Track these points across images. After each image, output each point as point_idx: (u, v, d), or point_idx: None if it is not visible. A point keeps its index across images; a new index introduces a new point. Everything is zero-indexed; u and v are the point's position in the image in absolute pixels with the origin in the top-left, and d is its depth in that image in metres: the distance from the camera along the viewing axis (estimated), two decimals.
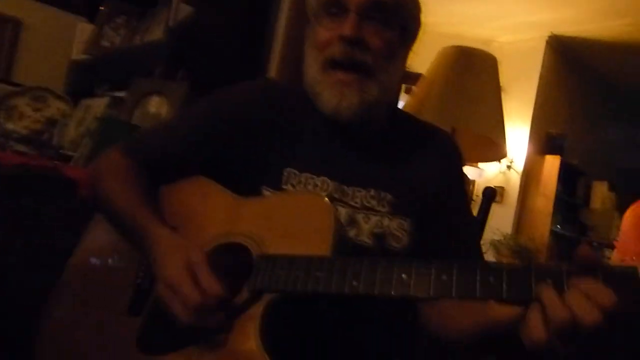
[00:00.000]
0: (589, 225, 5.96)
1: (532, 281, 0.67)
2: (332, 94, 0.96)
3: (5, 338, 1.28)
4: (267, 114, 1.04)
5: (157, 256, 0.86)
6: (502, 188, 5.34)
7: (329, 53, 0.96)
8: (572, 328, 0.61)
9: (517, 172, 5.29)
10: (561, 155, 5.26)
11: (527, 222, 5.30)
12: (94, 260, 1.05)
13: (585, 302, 0.61)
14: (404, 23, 1.00)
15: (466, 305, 0.83)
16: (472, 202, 4.96)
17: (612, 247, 5.75)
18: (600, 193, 5.98)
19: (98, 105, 2.11)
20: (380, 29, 0.96)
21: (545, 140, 5.41)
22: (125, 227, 0.96)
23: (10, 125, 2.29)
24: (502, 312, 0.74)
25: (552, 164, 5.26)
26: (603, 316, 0.59)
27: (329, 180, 0.98)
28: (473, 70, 1.94)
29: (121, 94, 2.02)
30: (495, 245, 4.83)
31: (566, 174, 5.39)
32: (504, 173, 5.33)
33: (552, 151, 5.33)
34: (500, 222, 5.09)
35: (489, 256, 4.76)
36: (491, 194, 1.44)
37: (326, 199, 0.88)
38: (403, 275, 0.73)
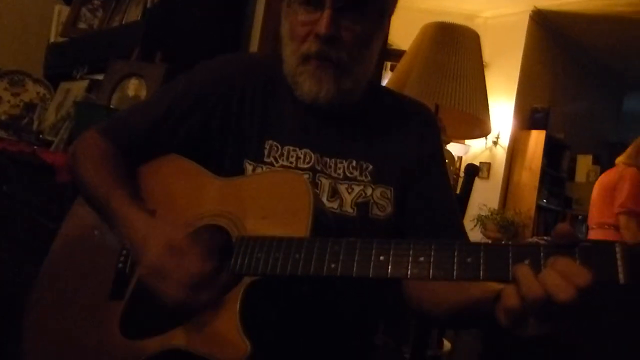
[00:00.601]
0: (574, 198, 6.04)
1: (510, 261, 0.67)
2: (312, 82, 0.96)
3: None
4: (245, 87, 1.03)
5: (136, 241, 0.85)
6: (488, 164, 5.38)
7: (306, 49, 0.96)
8: (546, 305, 0.61)
9: (502, 147, 5.32)
10: (546, 130, 5.29)
11: (514, 196, 5.35)
12: (75, 245, 1.04)
13: (560, 280, 0.61)
14: (381, 7, 0.99)
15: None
16: (460, 178, 5.01)
17: None
18: (585, 166, 6.04)
19: (77, 88, 2.08)
20: (356, 22, 0.95)
21: (530, 115, 5.43)
22: (102, 212, 0.95)
23: None
24: (481, 289, 0.74)
25: (537, 138, 5.30)
26: (577, 294, 0.60)
27: (311, 152, 0.99)
28: (455, 46, 1.93)
29: (100, 76, 1.99)
30: (482, 220, 4.88)
31: (551, 148, 5.43)
32: (489, 149, 5.36)
33: (537, 126, 5.36)
34: (486, 198, 5.13)
35: (476, 232, 4.82)
36: (473, 171, 1.44)
37: (304, 177, 0.88)
38: (381, 257, 0.73)
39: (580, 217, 6.08)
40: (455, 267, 0.69)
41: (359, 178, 1.00)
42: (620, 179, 3.31)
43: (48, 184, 1.35)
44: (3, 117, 2.23)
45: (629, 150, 3.46)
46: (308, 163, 0.98)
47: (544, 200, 5.52)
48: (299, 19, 0.96)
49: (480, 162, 5.39)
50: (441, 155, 1.09)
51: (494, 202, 5.21)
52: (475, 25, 5.06)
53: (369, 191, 0.99)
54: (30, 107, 2.29)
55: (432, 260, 0.71)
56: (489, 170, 5.39)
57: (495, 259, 0.68)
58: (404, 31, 2.71)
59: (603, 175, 3.59)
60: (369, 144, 1.03)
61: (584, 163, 6.06)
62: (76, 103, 1.80)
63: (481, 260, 0.68)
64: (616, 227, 3.29)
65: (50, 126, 2.02)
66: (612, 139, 7.04)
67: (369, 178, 1.00)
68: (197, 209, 0.93)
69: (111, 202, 0.91)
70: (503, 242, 0.70)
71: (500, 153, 5.35)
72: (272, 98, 1.03)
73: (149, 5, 1.85)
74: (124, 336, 0.88)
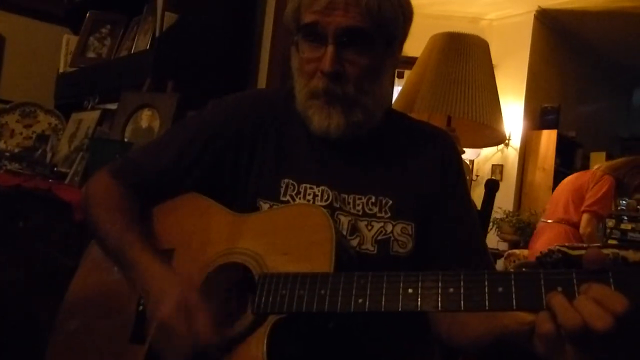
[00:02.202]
0: None
1: (543, 290, 0.66)
2: (322, 117, 0.95)
3: None
4: (259, 125, 1.02)
5: (150, 292, 0.84)
6: (500, 166, 5.34)
7: (313, 85, 0.95)
8: (584, 334, 0.59)
9: (514, 149, 5.28)
10: (557, 129, 5.25)
11: (528, 197, 5.31)
12: (94, 284, 1.03)
13: (596, 308, 0.59)
14: (389, 37, 0.96)
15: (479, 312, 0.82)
16: (473, 181, 4.97)
17: (613, 217, 5.83)
18: (599, 163, 5.97)
19: (89, 118, 2.08)
20: (362, 54, 0.93)
21: (540, 115, 5.39)
22: (115, 257, 0.94)
23: (1, 144, 2.27)
24: (514, 319, 0.72)
25: (548, 137, 5.26)
26: (615, 321, 0.58)
27: (328, 190, 0.97)
28: (465, 56, 1.91)
29: (111, 106, 1.99)
30: (497, 223, 4.84)
31: (563, 147, 5.39)
32: (501, 151, 5.32)
33: (547, 125, 5.32)
34: (501, 200, 5.08)
35: (492, 235, 4.77)
36: (493, 186, 1.42)
37: (323, 209, 0.87)
38: (409, 290, 0.72)
39: None
40: (487, 298, 0.68)
41: (378, 215, 0.97)
42: (596, 183, 3.44)
43: (66, 220, 1.35)
44: (16, 150, 2.25)
45: (617, 163, 3.58)
46: (326, 201, 0.96)
47: None
48: (305, 56, 0.96)
49: (493, 165, 5.37)
50: (463, 181, 1.06)
51: (508, 204, 5.16)
52: (481, 27, 5.05)
53: (389, 228, 0.97)
54: (42, 138, 2.30)
55: (462, 291, 0.69)
56: (501, 173, 5.35)
57: (527, 288, 0.67)
58: (409, 37, 2.69)
59: (574, 176, 3.76)
60: (388, 177, 1.01)
61: (598, 160, 5.98)
62: (91, 139, 1.80)
63: (513, 289, 0.67)
64: (573, 225, 3.44)
65: (64, 158, 2.03)
66: (623, 134, 6.98)
67: (389, 214, 0.97)
68: (216, 247, 0.92)
69: (126, 249, 0.91)
70: (533, 271, 0.68)
71: (512, 154, 5.31)
72: (286, 134, 1.02)
73: (157, 33, 1.86)
74: None
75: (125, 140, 1.68)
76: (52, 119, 2.42)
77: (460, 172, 1.07)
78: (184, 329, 0.78)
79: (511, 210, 5.09)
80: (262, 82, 2.05)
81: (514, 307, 0.66)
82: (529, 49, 5.20)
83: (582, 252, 2.09)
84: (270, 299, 0.79)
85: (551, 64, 5.51)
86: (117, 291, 0.97)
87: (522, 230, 4.99)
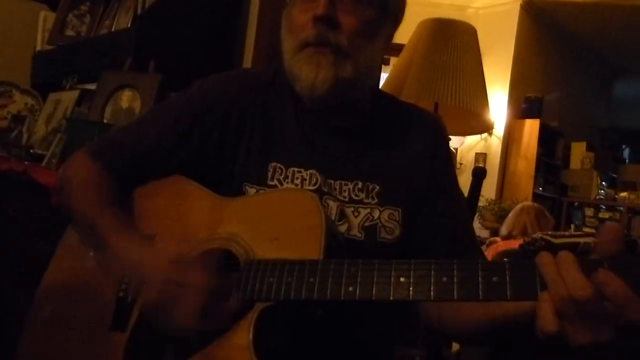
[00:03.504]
0: (570, 185, 6.06)
1: (537, 278, 0.64)
2: (309, 68, 0.90)
3: None
4: (246, 107, 0.98)
5: (134, 272, 0.82)
6: (484, 154, 5.37)
7: (303, 37, 0.91)
8: (571, 305, 0.60)
9: (497, 137, 5.31)
10: (540, 118, 5.29)
11: (510, 186, 5.36)
12: (71, 272, 1.00)
13: (579, 276, 0.60)
14: (384, 3, 0.94)
15: None
16: (457, 169, 5.00)
17: (591, 206, 5.91)
18: (579, 153, 6.06)
19: (68, 99, 2.02)
20: (355, 7, 0.91)
21: (523, 104, 5.42)
22: (92, 239, 0.91)
23: None
24: (515, 303, 0.71)
25: (531, 127, 5.30)
26: (596, 292, 0.59)
27: (317, 173, 0.94)
28: (453, 42, 1.89)
29: (91, 86, 1.93)
30: (480, 211, 4.87)
31: (545, 137, 5.44)
32: (485, 139, 5.34)
33: (531, 115, 5.36)
34: (484, 188, 5.06)
35: (474, 223, 4.79)
36: (481, 174, 1.41)
37: (312, 194, 0.84)
38: (401, 279, 0.70)
39: (576, 203, 6.11)
40: (480, 287, 0.67)
41: (365, 200, 0.95)
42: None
43: (43, 205, 1.30)
44: None
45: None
46: (314, 185, 0.93)
47: (540, 189, 5.54)
48: (298, 8, 0.93)
49: (476, 153, 5.39)
50: (452, 167, 1.05)
51: (490, 193, 5.20)
52: (467, 16, 5.03)
53: (376, 214, 0.95)
54: (18, 119, 2.23)
55: (455, 280, 0.68)
56: (484, 161, 5.37)
57: (522, 276, 0.66)
58: None
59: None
60: (376, 162, 0.98)
61: (578, 150, 6.07)
62: (68, 120, 1.74)
63: (507, 279, 0.66)
64: None
65: (41, 139, 1.96)
66: (603, 125, 7.06)
67: (376, 200, 0.95)
68: (200, 232, 0.88)
69: (102, 231, 0.87)
70: (527, 261, 0.67)
71: (496, 143, 5.33)
72: (274, 116, 0.99)
73: (139, 11, 1.79)
74: None
75: (105, 121, 1.62)
76: (29, 99, 2.34)
77: (449, 158, 1.06)
78: (182, 283, 0.75)
79: (493, 198, 5.13)
80: (247, 62, 1.99)
81: (508, 296, 0.65)
82: (514, 39, 5.21)
83: (565, 240, 2.11)
84: (257, 285, 0.77)
85: (536, 54, 5.53)
86: (94, 278, 0.94)
87: (503, 218, 5.03)
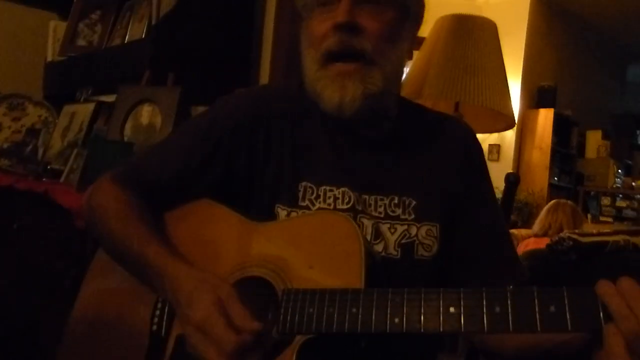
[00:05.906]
0: (585, 174, 5.99)
1: (600, 307, 0.61)
2: (334, 89, 0.88)
3: None
4: (271, 125, 0.95)
5: (181, 297, 0.77)
6: (497, 145, 5.31)
7: (325, 47, 0.88)
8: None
9: (511, 128, 5.24)
10: (554, 108, 5.22)
11: (525, 177, 5.29)
12: (102, 305, 0.96)
13: None
14: (402, 2, 0.91)
15: None
16: None
17: (608, 195, 5.82)
18: (595, 142, 5.99)
19: (83, 111, 1.99)
20: (376, 11, 0.88)
21: (537, 94, 5.35)
22: (136, 269, 0.87)
23: None
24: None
25: (545, 117, 5.25)
26: None
27: (349, 191, 0.90)
28: (473, 39, 1.84)
29: (106, 98, 1.90)
30: None
31: (560, 126, 5.38)
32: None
33: (544, 104, 5.30)
34: (498, 180, 5.04)
35: None
36: (514, 180, 1.36)
37: (347, 217, 0.81)
38: (451, 309, 0.66)
39: (592, 193, 6.04)
40: (537, 318, 0.63)
41: (402, 216, 0.91)
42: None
43: (65, 226, 1.27)
44: (5, 145, 2.15)
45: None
46: (347, 203, 0.90)
47: (556, 179, 5.50)
48: (317, 18, 0.90)
49: (490, 145, 5.32)
50: (487, 176, 1.01)
51: None
52: (477, 6, 4.96)
53: (413, 231, 0.91)
54: (32, 132, 2.20)
55: (510, 310, 0.64)
56: (498, 152, 5.33)
57: (583, 305, 0.62)
58: None
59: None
60: (410, 174, 0.94)
61: (594, 138, 6.00)
62: (87, 137, 1.71)
63: (567, 308, 0.62)
64: None
65: (57, 154, 1.93)
66: (617, 111, 6.96)
67: (413, 215, 0.91)
68: (232, 259, 0.85)
69: (149, 258, 0.83)
70: (587, 288, 0.63)
71: (509, 134, 5.27)
72: (301, 132, 0.95)
73: (153, 20, 1.75)
74: None
75: (125, 139, 1.58)
76: (42, 111, 2.31)
77: (484, 167, 1.02)
78: (223, 326, 0.71)
79: None
80: (265, 68, 1.94)
81: (569, 328, 0.61)
82: (525, 28, 5.14)
83: (593, 238, 2.06)
84: (297, 317, 0.73)
85: (548, 42, 5.45)
86: (128, 310, 0.91)
87: (519, 210, 4.98)
